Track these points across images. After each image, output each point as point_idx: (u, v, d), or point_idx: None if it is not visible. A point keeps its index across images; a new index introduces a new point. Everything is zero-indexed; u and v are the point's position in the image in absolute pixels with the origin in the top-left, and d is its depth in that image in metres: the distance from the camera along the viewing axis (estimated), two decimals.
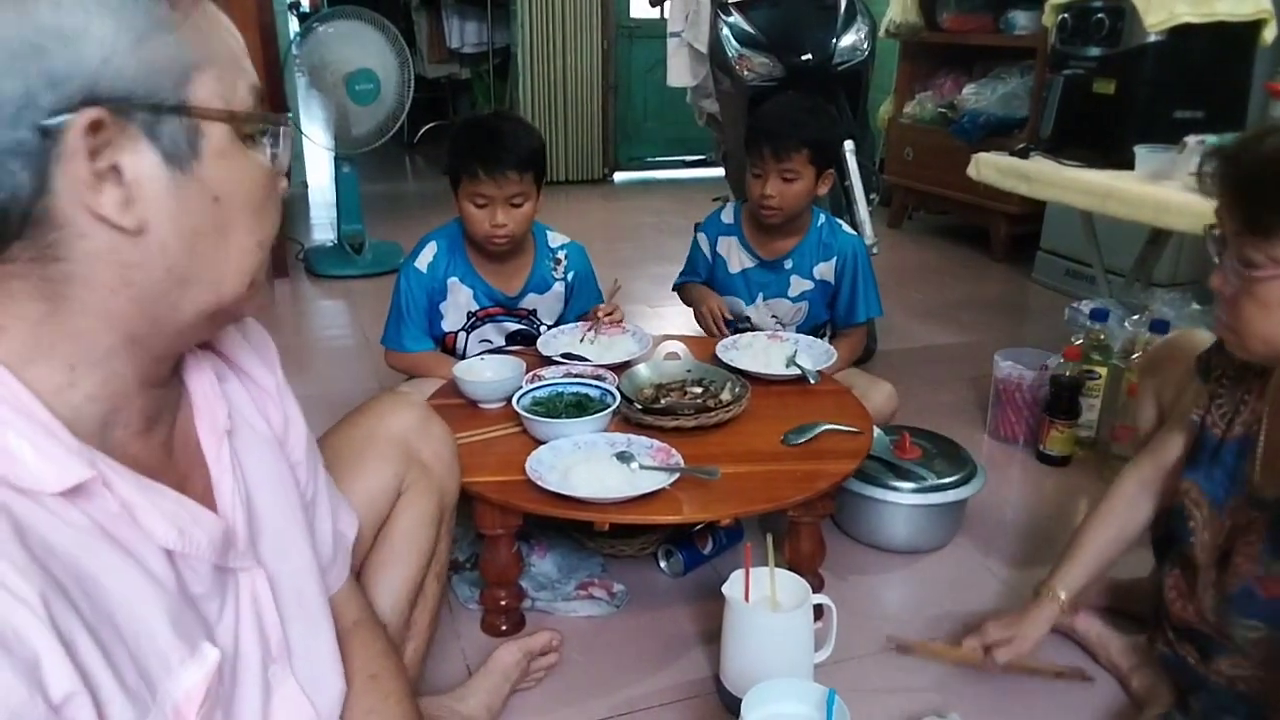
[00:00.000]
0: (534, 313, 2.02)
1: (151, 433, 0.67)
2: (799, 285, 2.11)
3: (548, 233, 2.03)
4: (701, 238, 2.20)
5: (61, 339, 0.59)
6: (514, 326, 2.02)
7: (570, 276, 2.03)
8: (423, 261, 1.94)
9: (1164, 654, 1.30)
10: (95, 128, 0.55)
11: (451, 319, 1.97)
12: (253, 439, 0.77)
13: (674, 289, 2.31)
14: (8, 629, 0.49)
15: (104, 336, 0.60)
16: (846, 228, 2.18)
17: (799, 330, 2.09)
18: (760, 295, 2.15)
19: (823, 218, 2.14)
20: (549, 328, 1.98)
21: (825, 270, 2.10)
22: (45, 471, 0.56)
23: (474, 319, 1.98)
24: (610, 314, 1.93)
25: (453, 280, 1.94)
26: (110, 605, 0.57)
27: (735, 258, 2.16)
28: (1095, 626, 1.46)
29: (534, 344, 1.92)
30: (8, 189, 0.54)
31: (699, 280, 2.22)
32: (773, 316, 2.16)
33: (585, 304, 2.03)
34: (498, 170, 1.78)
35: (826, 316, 2.16)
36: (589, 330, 1.90)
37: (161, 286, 0.60)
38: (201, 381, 0.72)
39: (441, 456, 1.16)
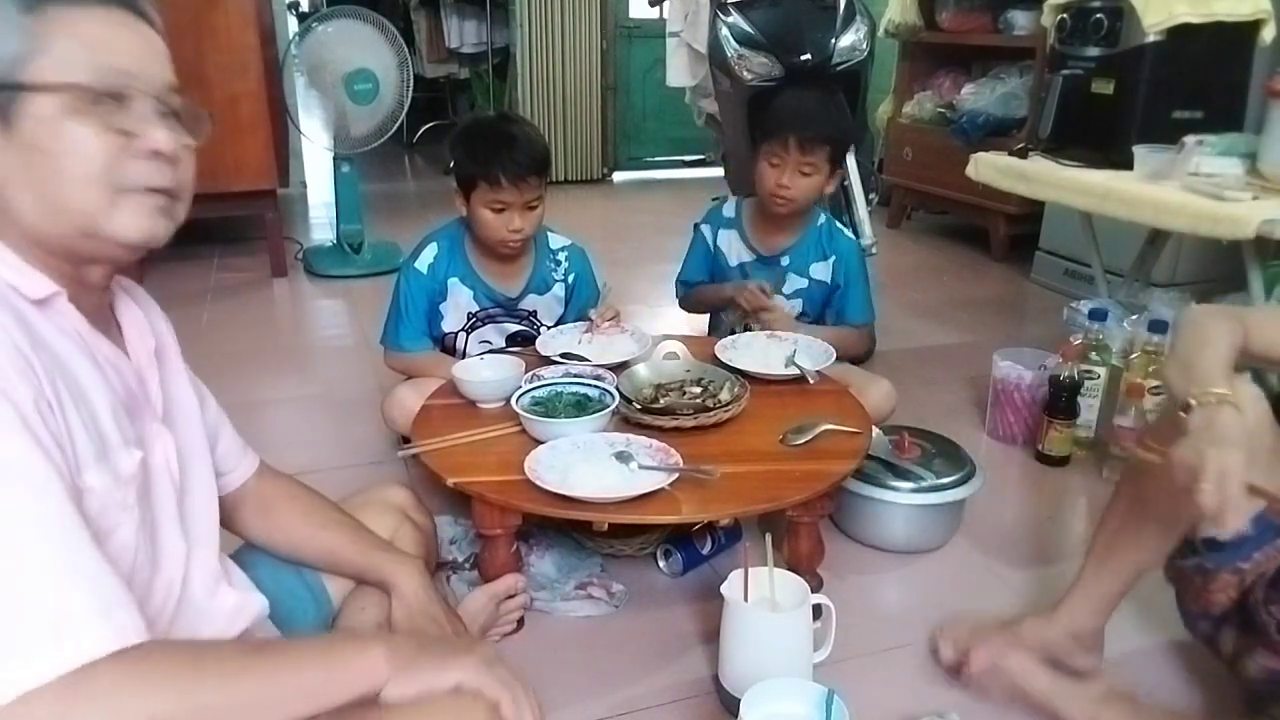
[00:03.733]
0: (534, 314, 2.02)
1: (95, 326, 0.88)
2: (794, 283, 2.12)
3: (549, 234, 2.03)
4: (705, 229, 2.21)
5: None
6: (514, 327, 2.02)
7: (571, 279, 2.03)
8: (423, 262, 1.94)
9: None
10: None
11: (451, 320, 1.97)
12: (177, 367, 1.02)
13: (680, 299, 2.29)
14: (23, 363, 0.73)
15: (11, 232, 0.80)
16: (846, 231, 2.19)
17: None
18: None
19: (823, 218, 2.14)
20: (548, 329, 1.98)
21: (822, 270, 2.11)
22: (28, 283, 0.79)
23: (474, 320, 1.98)
24: (605, 315, 1.92)
25: (453, 281, 1.94)
26: (79, 384, 0.80)
27: (734, 251, 2.16)
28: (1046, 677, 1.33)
29: (533, 345, 1.92)
30: None
31: (704, 280, 2.22)
32: None
33: (584, 305, 2.03)
34: (520, 176, 1.78)
35: (820, 315, 2.16)
36: (586, 332, 1.90)
37: (36, 208, 0.80)
38: (130, 312, 0.95)
39: (427, 524, 1.39)
